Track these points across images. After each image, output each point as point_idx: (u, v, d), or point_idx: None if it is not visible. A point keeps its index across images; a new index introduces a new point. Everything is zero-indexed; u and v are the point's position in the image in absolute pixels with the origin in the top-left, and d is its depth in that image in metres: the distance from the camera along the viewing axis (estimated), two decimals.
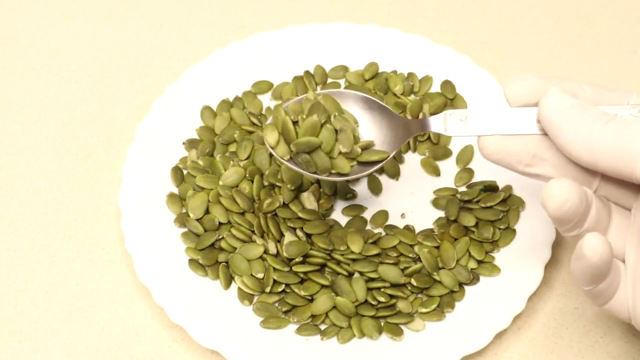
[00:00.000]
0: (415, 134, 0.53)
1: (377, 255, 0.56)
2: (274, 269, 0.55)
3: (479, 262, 0.56)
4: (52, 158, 0.63)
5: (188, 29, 0.70)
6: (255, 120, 0.62)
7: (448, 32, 0.70)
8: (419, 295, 0.56)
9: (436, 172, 0.61)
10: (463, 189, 0.60)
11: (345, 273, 0.55)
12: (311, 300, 0.55)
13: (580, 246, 0.45)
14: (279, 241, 0.56)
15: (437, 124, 0.51)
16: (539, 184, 0.58)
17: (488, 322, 0.54)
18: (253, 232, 0.57)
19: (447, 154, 0.62)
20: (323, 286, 0.55)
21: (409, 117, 0.62)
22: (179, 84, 0.63)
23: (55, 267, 0.58)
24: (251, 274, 0.56)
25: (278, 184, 0.59)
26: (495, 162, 0.50)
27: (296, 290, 0.55)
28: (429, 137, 0.62)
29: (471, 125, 0.50)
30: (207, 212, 0.58)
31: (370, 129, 0.54)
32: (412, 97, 0.64)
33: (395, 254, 0.56)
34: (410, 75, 0.64)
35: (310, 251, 0.56)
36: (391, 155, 0.53)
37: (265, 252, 0.56)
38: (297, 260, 0.55)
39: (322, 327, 0.55)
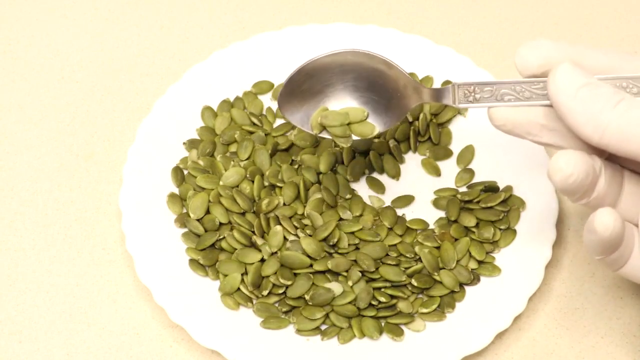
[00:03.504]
0: (424, 102, 0.52)
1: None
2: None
3: (480, 262, 0.56)
4: (52, 158, 0.63)
5: (188, 29, 0.70)
6: (255, 121, 0.62)
7: (448, 32, 0.70)
8: (420, 296, 0.56)
9: (437, 172, 0.61)
10: (463, 189, 0.60)
11: (349, 285, 0.55)
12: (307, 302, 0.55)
13: (591, 220, 0.45)
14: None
15: (447, 95, 0.51)
16: (538, 184, 0.59)
17: (488, 323, 0.54)
18: (253, 232, 0.57)
19: (447, 154, 0.62)
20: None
21: (409, 117, 0.62)
22: (180, 84, 0.63)
23: (55, 268, 0.58)
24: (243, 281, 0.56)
25: (278, 184, 0.59)
26: (505, 132, 0.49)
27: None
28: (429, 138, 0.62)
29: (480, 96, 0.49)
30: (207, 212, 0.58)
31: (384, 89, 0.53)
32: None
33: (395, 254, 0.57)
34: (411, 75, 0.64)
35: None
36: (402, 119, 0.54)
37: (262, 259, 0.56)
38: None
39: (323, 327, 0.55)
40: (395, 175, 0.61)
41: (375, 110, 0.54)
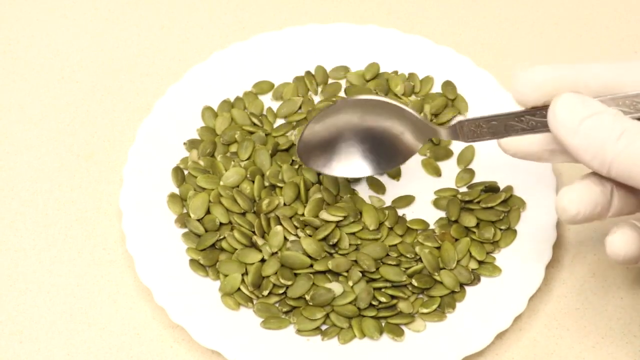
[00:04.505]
0: (431, 138, 0.54)
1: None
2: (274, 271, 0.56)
3: (480, 262, 0.56)
4: (53, 158, 0.63)
5: (189, 29, 0.70)
6: (256, 121, 0.62)
7: (448, 32, 0.70)
8: (420, 296, 0.56)
9: (437, 172, 0.61)
10: (464, 189, 0.60)
11: (349, 286, 0.55)
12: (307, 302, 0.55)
13: (606, 244, 0.45)
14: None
15: (453, 134, 0.51)
16: (538, 184, 0.59)
17: (489, 323, 0.54)
18: (254, 232, 0.57)
19: (448, 154, 0.62)
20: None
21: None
22: (180, 85, 0.63)
23: (56, 268, 0.58)
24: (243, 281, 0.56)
25: (279, 184, 0.59)
26: (519, 159, 0.49)
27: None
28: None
29: (485, 131, 0.49)
30: (208, 212, 0.58)
31: (394, 131, 0.54)
32: (413, 97, 0.64)
33: (396, 254, 0.57)
34: (411, 75, 0.64)
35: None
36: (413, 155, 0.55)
37: (263, 259, 0.56)
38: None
39: (323, 327, 0.55)
40: (396, 175, 0.61)
41: (384, 153, 0.55)
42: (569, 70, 0.46)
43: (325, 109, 0.54)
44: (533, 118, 0.47)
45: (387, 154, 0.55)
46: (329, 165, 0.56)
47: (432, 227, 0.58)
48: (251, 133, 0.62)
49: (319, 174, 0.60)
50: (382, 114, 0.54)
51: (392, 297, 0.55)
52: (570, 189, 0.45)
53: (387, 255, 0.56)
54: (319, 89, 0.64)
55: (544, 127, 0.47)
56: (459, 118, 0.50)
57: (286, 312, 0.55)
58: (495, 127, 0.49)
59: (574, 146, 0.45)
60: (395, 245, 0.57)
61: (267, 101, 0.64)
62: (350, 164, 0.56)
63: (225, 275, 0.56)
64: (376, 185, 0.60)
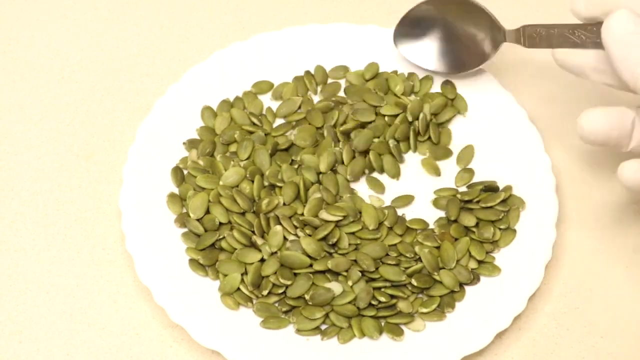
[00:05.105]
0: (501, 42, 0.61)
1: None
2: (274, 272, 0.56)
3: (480, 262, 0.56)
4: (52, 158, 0.63)
5: (188, 29, 0.70)
6: (255, 121, 0.62)
7: None
8: (420, 295, 0.56)
9: (436, 172, 0.61)
10: (463, 189, 0.60)
11: (348, 287, 0.55)
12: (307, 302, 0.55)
13: (618, 170, 0.50)
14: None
15: (516, 37, 0.59)
16: (538, 184, 0.59)
17: (488, 322, 0.54)
18: (253, 232, 0.57)
19: (447, 154, 0.62)
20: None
21: (409, 117, 0.62)
22: (180, 85, 0.63)
23: (55, 268, 0.58)
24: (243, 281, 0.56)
25: (278, 184, 0.59)
26: (565, 69, 0.56)
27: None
28: (429, 138, 0.62)
29: (543, 39, 0.57)
30: (207, 212, 0.58)
31: (469, 32, 0.61)
32: (412, 97, 0.64)
33: (395, 254, 0.57)
34: (411, 75, 0.64)
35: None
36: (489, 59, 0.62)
37: (262, 259, 0.56)
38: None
39: (323, 327, 0.55)
40: (395, 175, 0.61)
41: (460, 49, 0.62)
42: None
43: (410, 11, 0.63)
44: (584, 32, 0.55)
45: (463, 56, 0.62)
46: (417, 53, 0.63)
47: (431, 226, 0.58)
48: (251, 133, 0.62)
49: (318, 173, 0.60)
50: (461, 13, 0.62)
51: (392, 296, 0.55)
52: (591, 112, 0.51)
53: (387, 254, 0.56)
54: (319, 89, 0.64)
55: (592, 43, 0.55)
56: (524, 23, 0.59)
57: (286, 312, 0.55)
58: (550, 37, 0.57)
59: (615, 54, 0.50)
60: (395, 244, 0.57)
61: (267, 101, 0.64)
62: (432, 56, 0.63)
63: (225, 275, 0.56)
64: (376, 185, 0.60)
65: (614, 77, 0.53)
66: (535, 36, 0.58)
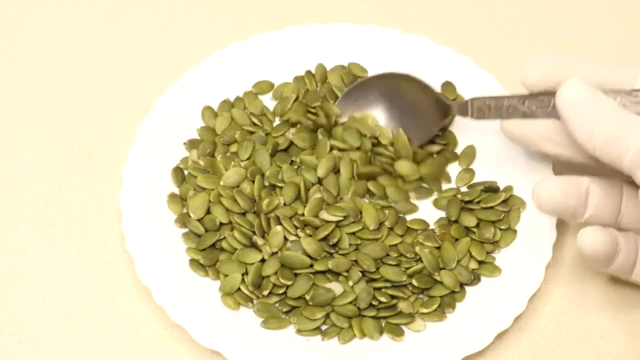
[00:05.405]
0: (447, 116, 0.60)
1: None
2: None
3: (480, 262, 0.56)
4: (52, 158, 0.63)
5: (189, 29, 0.70)
6: (256, 121, 0.62)
7: (448, 32, 0.70)
8: (420, 296, 0.56)
9: (447, 179, 0.61)
10: (464, 189, 0.60)
11: (349, 287, 0.55)
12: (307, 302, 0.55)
13: (578, 239, 0.50)
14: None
15: (463, 110, 0.58)
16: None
17: (489, 323, 0.54)
18: (254, 232, 0.57)
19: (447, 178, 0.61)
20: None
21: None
22: (180, 85, 0.63)
23: (55, 268, 0.58)
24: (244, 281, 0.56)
25: (279, 184, 0.59)
26: (514, 142, 0.56)
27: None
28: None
29: (491, 111, 0.56)
30: (208, 212, 0.58)
31: (413, 108, 0.60)
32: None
33: (396, 254, 0.57)
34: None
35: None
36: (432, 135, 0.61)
37: (263, 259, 0.56)
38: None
39: (323, 327, 0.55)
40: (400, 200, 0.60)
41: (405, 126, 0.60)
42: (572, 63, 0.53)
43: (355, 85, 0.61)
44: (535, 102, 0.54)
45: (408, 132, 0.60)
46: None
47: (432, 227, 0.58)
48: (251, 133, 0.62)
49: (319, 178, 0.60)
50: (407, 89, 0.60)
51: (392, 297, 0.55)
52: (547, 179, 0.51)
53: (387, 255, 0.56)
54: (319, 89, 0.64)
55: (543, 113, 0.54)
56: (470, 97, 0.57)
57: (286, 312, 0.55)
58: (500, 108, 0.55)
59: (571, 119, 0.50)
60: (396, 245, 0.57)
61: (267, 101, 0.64)
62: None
63: (225, 275, 0.56)
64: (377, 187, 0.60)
65: (567, 147, 0.53)
66: (484, 108, 0.56)
